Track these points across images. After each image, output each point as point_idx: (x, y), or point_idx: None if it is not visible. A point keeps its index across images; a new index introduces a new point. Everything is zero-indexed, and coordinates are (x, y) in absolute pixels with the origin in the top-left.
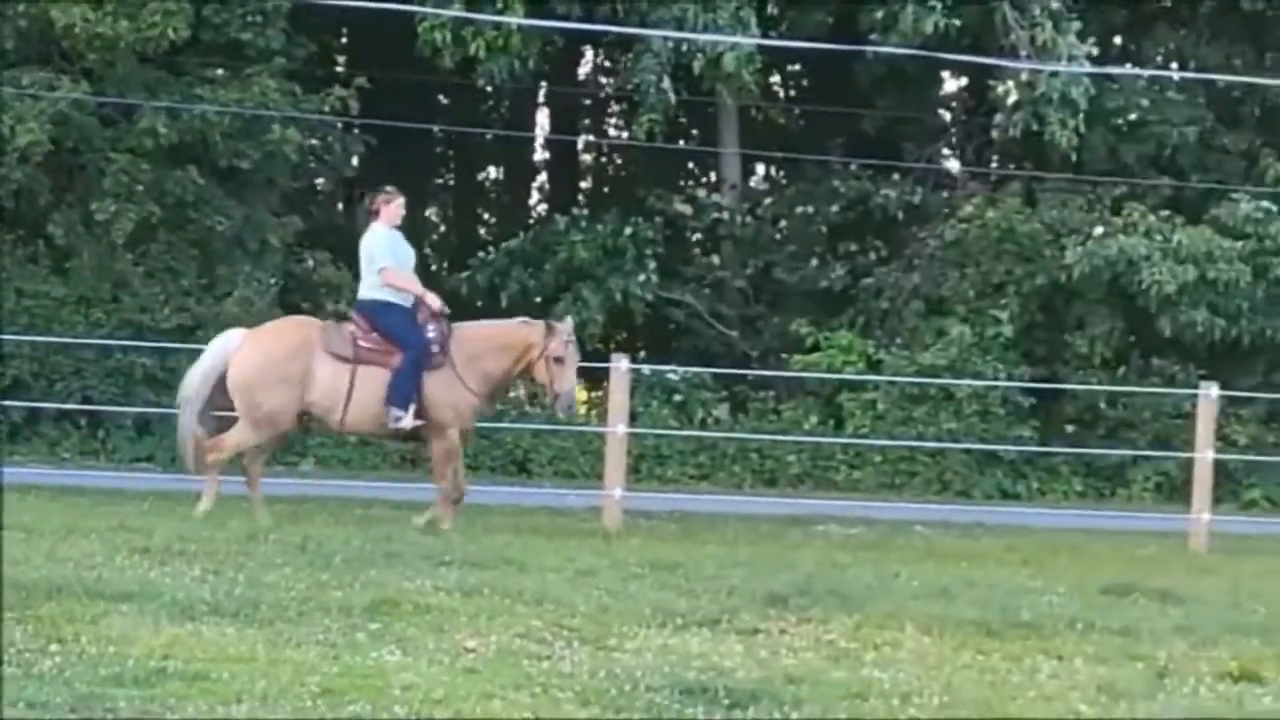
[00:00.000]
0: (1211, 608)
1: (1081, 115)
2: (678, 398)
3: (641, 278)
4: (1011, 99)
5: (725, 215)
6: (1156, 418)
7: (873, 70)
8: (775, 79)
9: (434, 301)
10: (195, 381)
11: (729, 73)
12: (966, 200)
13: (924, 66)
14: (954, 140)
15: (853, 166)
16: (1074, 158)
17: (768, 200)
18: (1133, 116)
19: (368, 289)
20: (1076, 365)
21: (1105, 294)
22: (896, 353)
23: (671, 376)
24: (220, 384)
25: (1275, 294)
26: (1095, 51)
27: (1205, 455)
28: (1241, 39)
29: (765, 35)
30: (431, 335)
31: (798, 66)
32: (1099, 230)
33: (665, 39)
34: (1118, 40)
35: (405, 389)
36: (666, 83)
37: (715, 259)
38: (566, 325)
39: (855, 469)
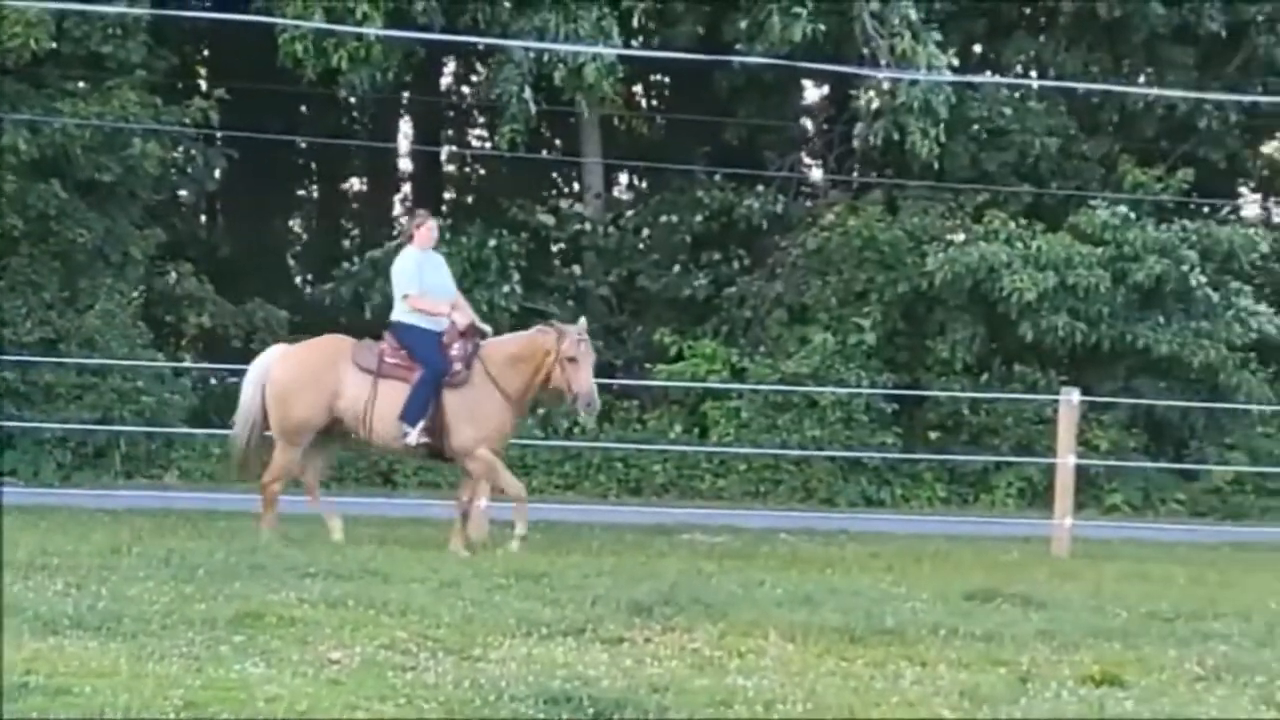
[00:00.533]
0: (1073, 612)
1: (942, 123)
2: (541, 409)
3: (506, 288)
4: (873, 108)
5: (588, 226)
6: (1019, 423)
7: (734, 80)
8: (638, 89)
9: (460, 319)
10: (244, 395)
11: (590, 83)
12: (828, 208)
13: (785, 76)
14: (816, 149)
15: (716, 176)
16: (936, 165)
17: (631, 210)
18: (993, 125)
19: (396, 312)
20: (939, 372)
21: (967, 301)
22: (760, 361)
23: None
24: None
25: (1134, 299)
26: (956, 61)
27: (1067, 460)
28: (1099, 46)
29: (628, 45)
30: (455, 354)
31: (661, 76)
32: (960, 237)
33: (526, 49)
34: (978, 49)
35: (416, 406)
36: (528, 93)
37: (578, 269)
38: (577, 326)
39: (720, 477)
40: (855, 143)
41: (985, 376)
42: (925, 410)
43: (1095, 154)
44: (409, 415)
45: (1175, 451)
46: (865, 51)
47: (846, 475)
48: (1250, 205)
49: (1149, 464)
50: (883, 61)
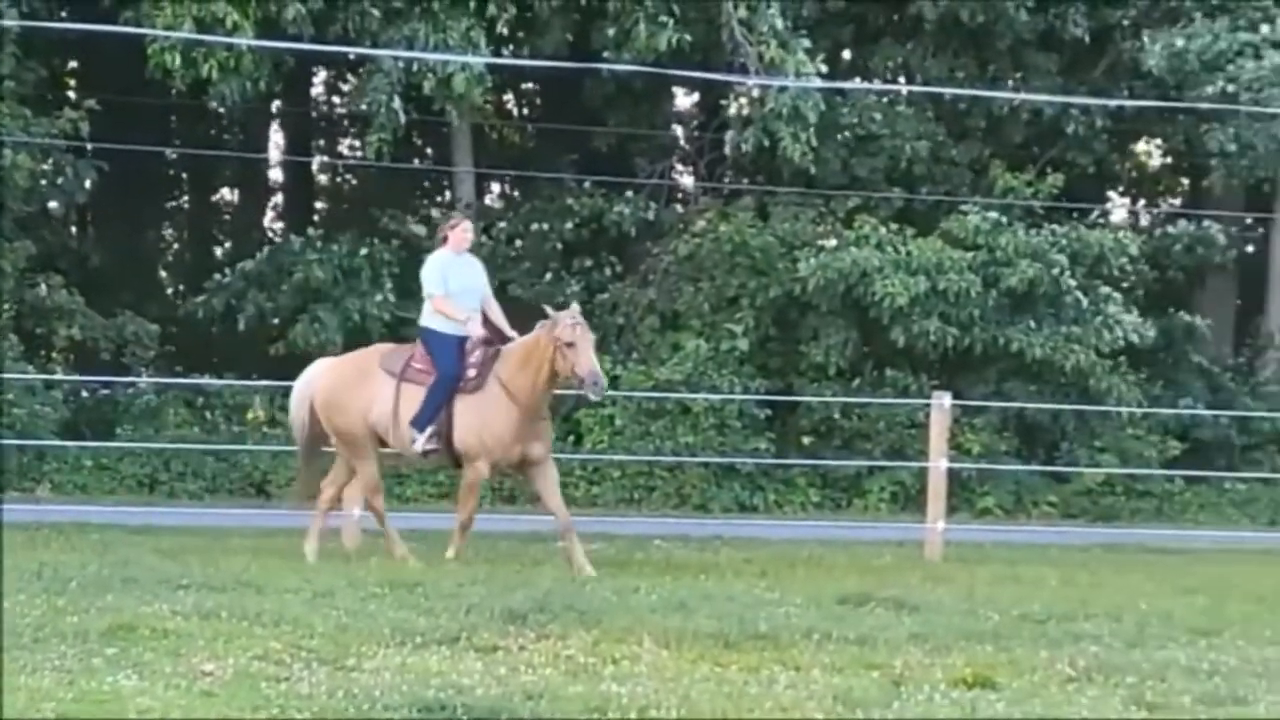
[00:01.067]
0: (946, 615)
1: (812, 129)
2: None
3: (379, 297)
4: (743, 114)
5: None
6: (891, 428)
7: (605, 88)
8: (509, 97)
9: (474, 329)
10: (291, 410)
11: (459, 92)
12: (700, 215)
13: (656, 83)
14: (688, 155)
15: (586, 184)
16: (807, 171)
17: (503, 220)
18: (864, 130)
19: (422, 315)
20: (812, 377)
21: (839, 306)
22: (633, 368)
23: None
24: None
25: (1005, 303)
26: (824, 68)
27: (939, 464)
28: (965, 52)
29: (497, 54)
30: (472, 360)
31: (531, 85)
32: (832, 243)
33: (396, 59)
34: (847, 55)
35: (426, 412)
36: (397, 103)
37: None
38: (570, 310)
39: (594, 485)
40: (726, 149)
41: (857, 381)
42: (798, 415)
43: (965, 159)
44: (419, 420)
45: (1046, 454)
46: (734, 59)
47: (720, 481)
48: (1119, 209)
49: (1020, 467)
50: (752, 69)
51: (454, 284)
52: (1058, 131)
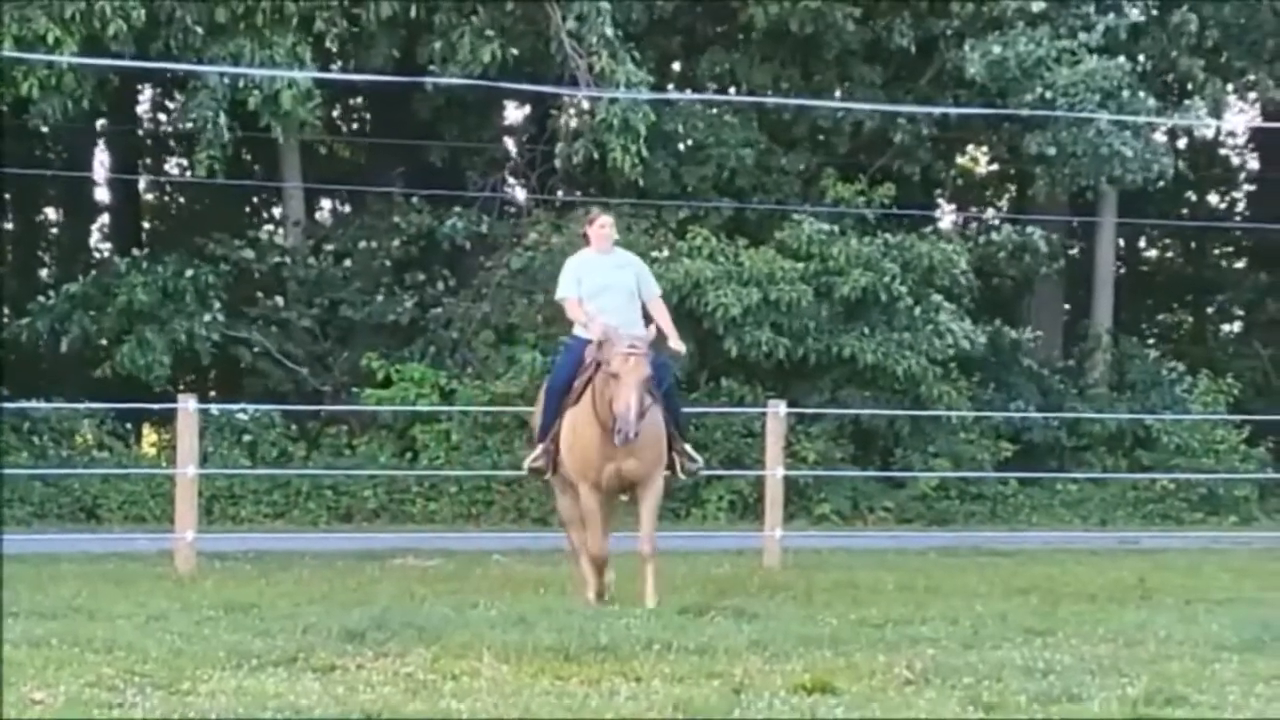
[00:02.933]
0: (785, 622)
1: (642, 140)
2: (248, 437)
3: (207, 318)
4: (573, 127)
5: (289, 256)
6: (728, 437)
7: (434, 102)
8: (338, 113)
9: (595, 328)
10: None
11: (286, 109)
12: (532, 228)
13: (486, 96)
14: (519, 169)
15: (415, 199)
16: (637, 182)
17: (332, 239)
18: (691, 140)
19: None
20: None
21: (673, 316)
22: (469, 382)
23: (241, 416)
24: None
25: (839, 313)
26: (653, 78)
27: (775, 473)
28: (791, 62)
29: (325, 70)
30: (585, 365)
31: (360, 100)
32: (664, 254)
33: (221, 76)
34: (675, 66)
35: (540, 425)
36: (223, 120)
37: (280, 300)
38: (634, 334)
39: (431, 501)
40: (557, 162)
41: (693, 392)
42: None
43: (794, 168)
44: (537, 436)
45: (882, 460)
46: (564, 72)
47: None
48: (948, 217)
49: (856, 473)
50: (581, 80)
51: (591, 284)
52: (885, 141)
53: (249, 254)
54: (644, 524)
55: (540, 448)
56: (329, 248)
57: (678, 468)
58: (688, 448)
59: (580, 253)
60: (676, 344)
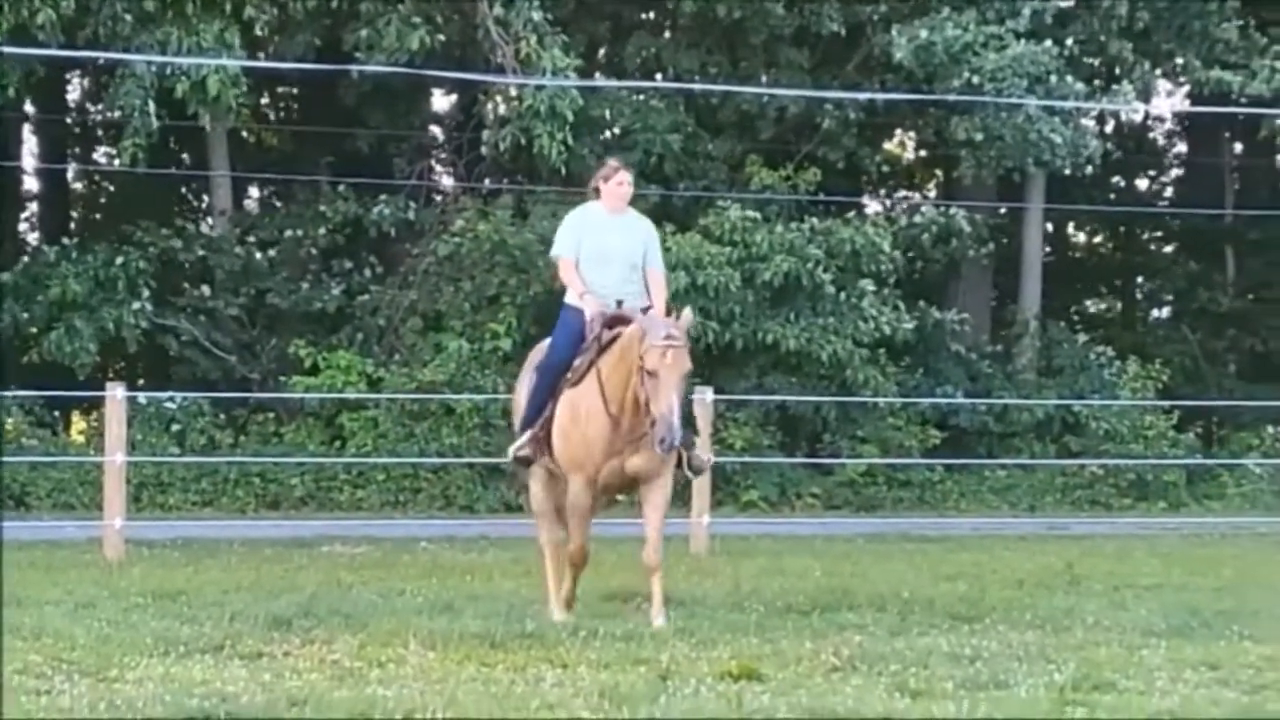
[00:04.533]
0: (712, 609)
1: (569, 127)
2: (176, 425)
3: (135, 306)
4: (500, 113)
5: (217, 244)
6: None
7: (361, 89)
8: (265, 100)
9: (587, 306)
10: None
11: (213, 95)
12: (459, 215)
13: (413, 83)
14: (446, 156)
15: (342, 187)
16: (563, 169)
17: (259, 227)
18: (619, 127)
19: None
20: None
21: None
22: (396, 370)
23: (169, 405)
24: None
25: (765, 298)
26: (580, 64)
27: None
28: (718, 48)
29: (252, 57)
30: (586, 343)
31: (288, 88)
32: None
33: (149, 64)
34: (602, 52)
35: (528, 410)
36: (151, 107)
37: (207, 289)
38: (667, 322)
39: (359, 488)
40: (484, 149)
41: None
42: None
43: (721, 154)
44: (522, 420)
45: (809, 446)
46: (491, 59)
47: (485, 482)
48: (875, 203)
49: (784, 459)
50: (508, 67)
51: (592, 247)
52: (812, 127)
53: (177, 243)
54: (651, 530)
55: (529, 434)
56: (256, 236)
57: (684, 463)
58: (697, 440)
59: (585, 206)
60: (673, 319)
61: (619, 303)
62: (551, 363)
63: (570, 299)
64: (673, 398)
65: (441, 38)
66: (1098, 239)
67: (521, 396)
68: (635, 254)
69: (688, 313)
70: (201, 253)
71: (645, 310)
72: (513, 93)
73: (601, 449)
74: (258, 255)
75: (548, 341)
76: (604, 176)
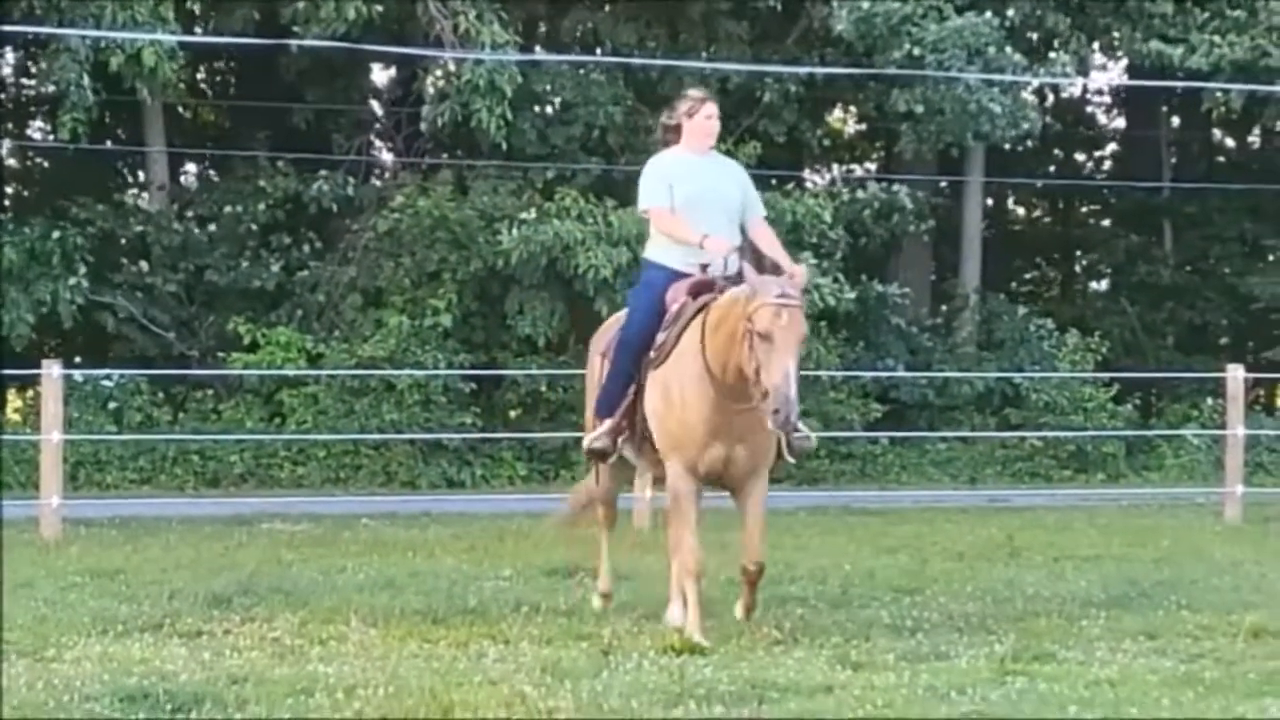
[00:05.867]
0: (654, 583)
1: (508, 102)
2: (114, 403)
3: (72, 282)
4: (439, 88)
5: (154, 220)
6: None
7: (299, 64)
8: (201, 76)
9: (713, 247)
10: None
11: (149, 69)
12: (399, 190)
13: (352, 58)
14: (385, 131)
15: (281, 162)
16: (503, 144)
17: (197, 200)
18: (559, 101)
19: (647, 244)
20: (517, 350)
21: (542, 279)
22: (336, 346)
23: (106, 382)
24: None
25: None
26: (519, 38)
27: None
28: (657, 21)
29: (189, 31)
30: (670, 315)
31: (223, 63)
32: (532, 215)
33: (84, 38)
34: (541, 26)
35: (604, 395)
36: (86, 81)
37: (145, 265)
38: (781, 280)
39: (299, 465)
40: (423, 124)
41: (563, 354)
42: (504, 390)
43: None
44: (597, 407)
45: None
46: (429, 33)
47: (427, 458)
48: (817, 177)
49: None
50: (447, 42)
51: (685, 193)
52: (753, 100)
53: (114, 218)
54: (752, 529)
55: (608, 423)
56: (194, 212)
57: (785, 447)
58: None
59: (667, 152)
60: (795, 267)
61: (704, 266)
62: (629, 340)
63: (661, 255)
64: (789, 365)
65: (380, 8)
66: (1037, 213)
67: (597, 379)
68: (735, 199)
69: (803, 269)
70: (139, 228)
71: (736, 274)
72: (451, 67)
73: (703, 431)
74: (196, 231)
75: (617, 319)
76: (687, 111)
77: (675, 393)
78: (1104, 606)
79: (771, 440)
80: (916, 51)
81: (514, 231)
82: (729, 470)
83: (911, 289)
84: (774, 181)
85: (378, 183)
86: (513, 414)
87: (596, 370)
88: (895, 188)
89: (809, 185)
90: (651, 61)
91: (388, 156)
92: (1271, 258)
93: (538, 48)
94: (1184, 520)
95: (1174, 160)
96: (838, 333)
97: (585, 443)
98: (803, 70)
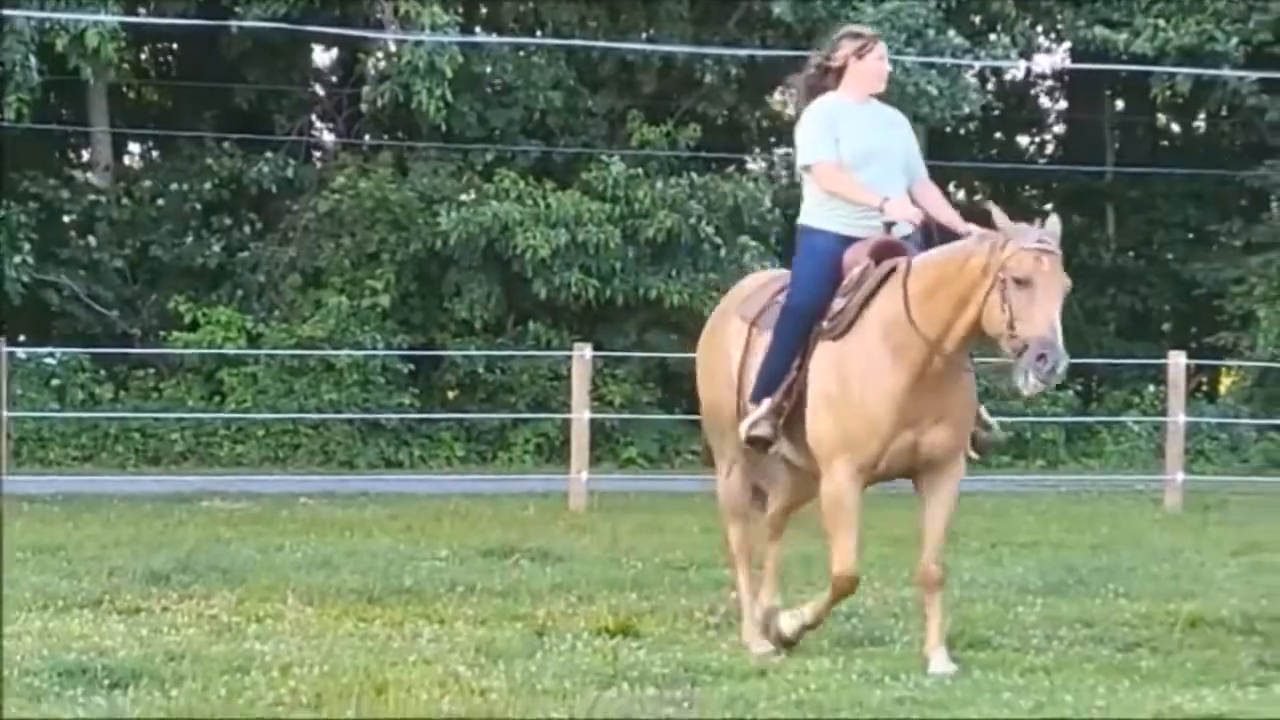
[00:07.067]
0: (590, 565)
1: (448, 83)
2: (56, 380)
3: (17, 259)
4: (380, 70)
5: (100, 198)
6: (534, 381)
7: (242, 45)
8: (145, 56)
9: (896, 212)
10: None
11: (93, 50)
12: (339, 171)
13: (294, 40)
14: (327, 112)
15: (225, 143)
16: (443, 126)
17: (142, 179)
18: (499, 83)
19: (803, 209)
20: (455, 332)
21: (480, 260)
22: (276, 326)
23: (49, 360)
24: None
25: (645, 254)
26: (461, 20)
27: (582, 416)
28: (597, 2)
29: (131, 12)
30: (849, 282)
31: (167, 44)
32: (471, 196)
33: (29, 19)
34: (482, 8)
35: (765, 372)
36: (32, 62)
37: (91, 240)
38: (1038, 229)
39: (239, 444)
40: (364, 105)
41: (500, 335)
42: (442, 370)
43: (601, 110)
44: (756, 388)
45: (689, 403)
46: (371, 14)
47: (365, 438)
48: (757, 160)
49: (664, 416)
50: (388, 23)
51: (854, 147)
52: (692, 82)
53: (63, 194)
54: (935, 529)
55: (767, 404)
56: (139, 190)
57: (971, 441)
58: (982, 409)
59: (828, 98)
60: (968, 228)
61: (889, 226)
62: (798, 305)
63: (823, 220)
64: (1053, 314)
65: None
66: (979, 195)
67: (753, 356)
68: (903, 153)
69: (1055, 220)
70: (86, 201)
71: (905, 238)
72: (392, 49)
73: (891, 421)
74: (141, 207)
75: (758, 279)
76: (856, 51)
77: (855, 377)
78: (1041, 594)
79: (970, 423)
80: None
81: (453, 213)
82: (921, 456)
83: None
84: (713, 164)
85: (319, 164)
86: (451, 394)
87: (734, 342)
88: None
89: (749, 168)
90: (592, 43)
91: (329, 137)
92: (1215, 244)
93: (478, 29)
94: (1123, 507)
95: (1117, 144)
96: None
97: (743, 430)
98: (743, 53)
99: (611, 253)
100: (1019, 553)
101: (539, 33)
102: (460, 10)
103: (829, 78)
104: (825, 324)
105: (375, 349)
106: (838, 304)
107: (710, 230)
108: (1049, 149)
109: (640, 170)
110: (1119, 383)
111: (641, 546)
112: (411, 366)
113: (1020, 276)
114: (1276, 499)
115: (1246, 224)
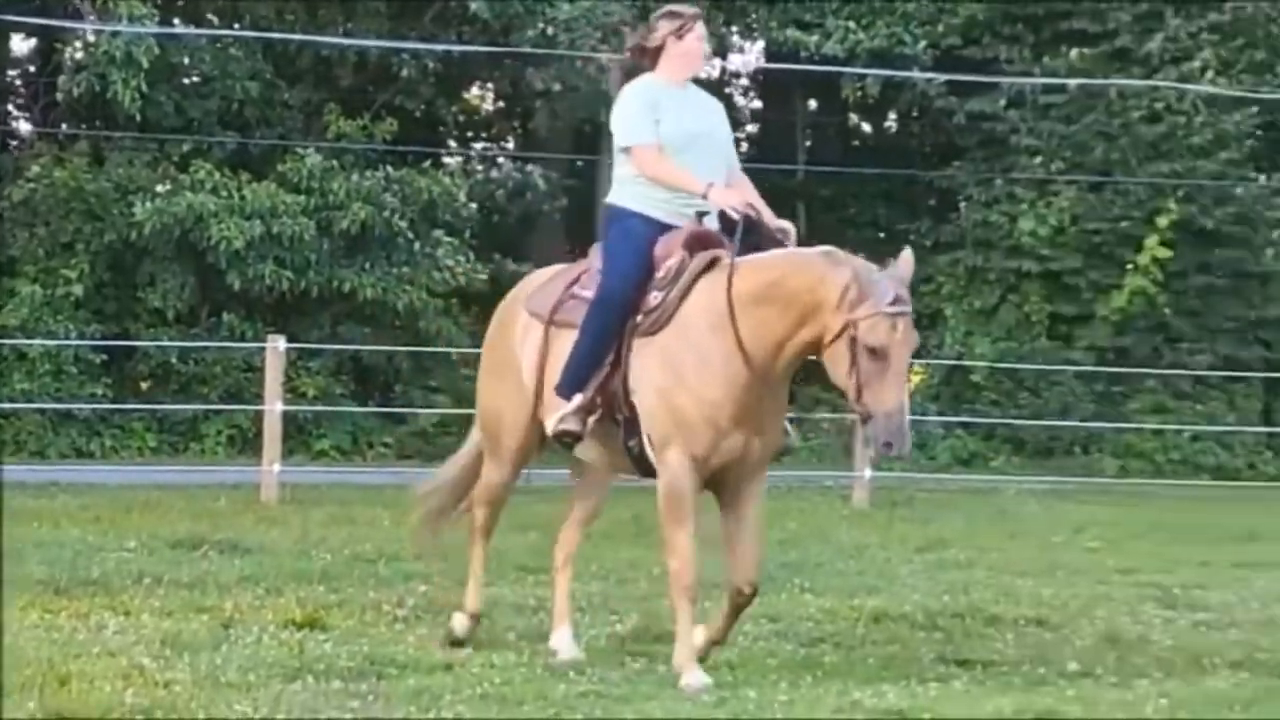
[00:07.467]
0: (279, 557)
1: (143, 74)
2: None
3: None
4: (77, 59)
5: None
6: (228, 372)
7: None
8: None
9: (722, 198)
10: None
11: None
12: (34, 160)
13: None
14: (24, 101)
15: None
16: (139, 116)
17: None
18: (196, 74)
19: (612, 190)
20: (149, 322)
21: (175, 251)
22: None
23: None
24: None
25: (340, 247)
26: (158, 11)
27: (274, 407)
28: None
29: None
30: (663, 273)
31: None
32: (166, 187)
33: None
34: (180, 0)
35: (574, 365)
36: None
37: None
38: (892, 277)
39: None
40: (60, 95)
41: (194, 326)
42: (135, 361)
43: (298, 102)
44: (564, 381)
45: (382, 396)
46: (70, 3)
47: (57, 428)
48: (455, 155)
49: (357, 409)
50: (85, 13)
51: (674, 129)
52: (390, 77)
53: None
54: (750, 541)
55: (578, 399)
56: None
57: None
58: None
59: (647, 78)
60: (780, 223)
61: (701, 215)
62: (609, 298)
63: (634, 202)
64: (903, 389)
65: None
66: None
67: (560, 346)
68: (722, 140)
69: (908, 258)
70: None
71: (730, 224)
72: (90, 38)
73: (730, 413)
74: None
75: (541, 275)
76: (675, 31)
77: (688, 365)
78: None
79: (782, 430)
80: (550, 30)
81: (148, 203)
82: (741, 463)
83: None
84: (410, 158)
85: (15, 153)
86: (143, 385)
87: (522, 339)
88: (529, 167)
89: (445, 163)
90: (290, 36)
91: (25, 126)
92: (904, 244)
93: (176, 21)
94: (812, 504)
95: (809, 144)
96: (469, 310)
97: (551, 425)
98: (439, 47)
99: (306, 245)
100: (706, 548)
101: (237, 25)
102: (158, 2)
103: (646, 58)
104: (641, 318)
105: (68, 338)
106: (654, 298)
107: (404, 224)
108: (743, 147)
109: (336, 163)
110: (809, 380)
111: (331, 539)
112: (104, 356)
113: (875, 346)
114: (961, 496)
115: (935, 224)
